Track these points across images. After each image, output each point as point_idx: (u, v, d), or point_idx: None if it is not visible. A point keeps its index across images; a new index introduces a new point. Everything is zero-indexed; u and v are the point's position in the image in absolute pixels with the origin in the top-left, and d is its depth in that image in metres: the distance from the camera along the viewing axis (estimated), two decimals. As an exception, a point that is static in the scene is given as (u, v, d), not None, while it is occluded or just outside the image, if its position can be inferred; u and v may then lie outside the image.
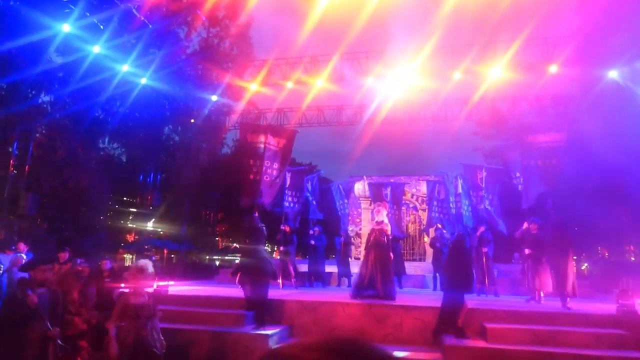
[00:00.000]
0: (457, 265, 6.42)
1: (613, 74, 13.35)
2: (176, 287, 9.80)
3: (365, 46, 16.12)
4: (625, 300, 6.46)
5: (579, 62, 13.84)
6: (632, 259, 16.50)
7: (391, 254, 8.03)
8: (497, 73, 14.38)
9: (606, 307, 7.05)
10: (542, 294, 8.15)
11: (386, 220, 8.20)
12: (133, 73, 15.25)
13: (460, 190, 10.68)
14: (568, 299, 7.25)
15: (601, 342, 5.79)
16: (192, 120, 18.54)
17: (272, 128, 10.96)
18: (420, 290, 11.56)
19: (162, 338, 4.42)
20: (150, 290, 4.96)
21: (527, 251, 8.34)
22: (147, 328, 4.27)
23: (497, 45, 14.45)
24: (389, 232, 8.09)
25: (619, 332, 5.95)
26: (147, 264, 4.53)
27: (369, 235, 8.05)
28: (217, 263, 23.00)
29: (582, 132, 8.59)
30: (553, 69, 13.96)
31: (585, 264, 18.87)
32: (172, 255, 21.62)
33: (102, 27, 14.13)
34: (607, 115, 12.80)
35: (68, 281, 5.73)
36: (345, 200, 12.20)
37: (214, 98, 17.74)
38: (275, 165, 10.08)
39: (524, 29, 14.32)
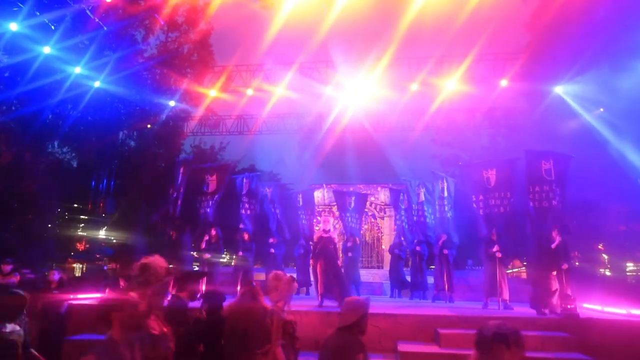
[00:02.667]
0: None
1: (558, 90, 14.16)
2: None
3: (325, 56, 16.32)
4: (568, 304, 6.81)
5: (527, 78, 14.58)
6: (577, 263, 17.41)
7: (339, 262, 8.20)
8: (452, 85, 14.91)
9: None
10: (501, 301, 8.51)
11: (333, 229, 8.39)
12: (86, 75, 14.71)
13: (422, 198, 10.95)
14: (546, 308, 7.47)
15: (547, 345, 6.08)
16: (149, 126, 18.08)
17: (212, 168, 11.03)
18: (377, 297, 11.74)
19: None
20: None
21: (498, 254, 8.73)
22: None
23: (452, 58, 15.00)
24: (336, 241, 8.28)
25: (563, 335, 6.27)
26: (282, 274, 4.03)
27: (316, 243, 8.17)
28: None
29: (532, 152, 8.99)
30: (504, 83, 14.63)
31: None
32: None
33: (53, 27, 13.58)
34: (553, 130, 13.54)
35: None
36: (305, 209, 12.23)
37: (172, 103, 17.38)
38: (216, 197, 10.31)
39: (477, 44, 14.95)
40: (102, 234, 18.94)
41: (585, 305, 8.29)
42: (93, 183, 17.87)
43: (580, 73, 13.19)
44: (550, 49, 13.88)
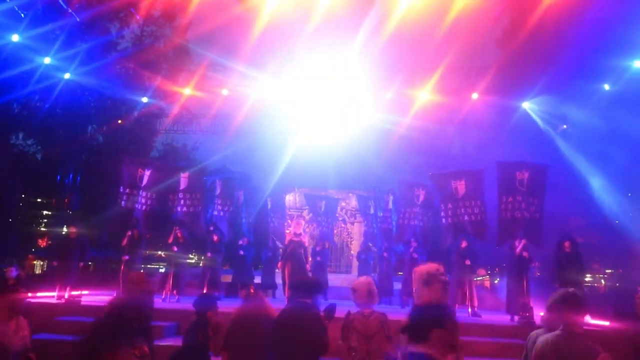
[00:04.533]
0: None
1: (525, 105, 14.68)
2: (91, 297, 9.30)
3: (302, 59, 16.35)
4: (525, 312, 7.08)
5: (497, 92, 15.05)
6: (538, 274, 18.00)
7: (307, 266, 8.29)
8: (424, 96, 15.23)
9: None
10: (470, 308, 8.76)
11: (304, 233, 8.49)
12: (56, 66, 14.28)
13: (390, 205, 11.10)
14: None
15: (504, 352, 6.30)
16: (120, 121, 17.70)
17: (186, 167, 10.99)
18: (344, 301, 11.83)
19: None
20: None
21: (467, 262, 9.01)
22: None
23: (425, 70, 15.32)
24: (307, 245, 8.37)
25: (519, 343, 6.49)
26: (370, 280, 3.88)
27: (286, 246, 8.26)
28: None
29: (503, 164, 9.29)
30: (475, 96, 15.04)
31: (497, 279, 20.27)
32: (90, 263, 20.30)
33: (22, 14, 13.16)
34: (520, 143, 14.01)
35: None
36: (275, 212, 12.24)
37: (145, 100, 17.07)
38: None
39: (449, 56, 15.33)
40: (66, 230, 18.38)
41: (543, 314, 8.60)
42: (58, 178, 17.33)
43: (545, 91, 13.73)
44: (518, 65, 14.39)
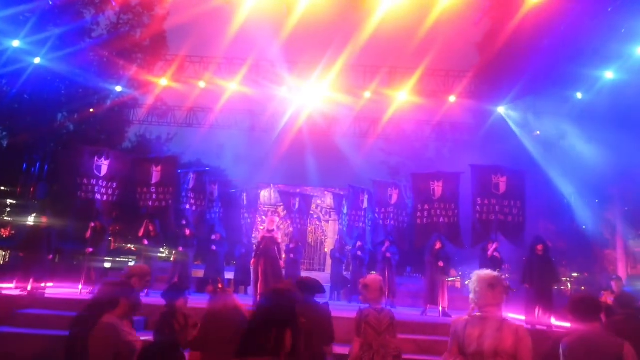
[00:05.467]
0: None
1: (500, 110, 14.95)
2: (56, 289, 8.98)
3: (281, 56, 16.26)
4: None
5: (473, 96, 15.28)
6: (507, 275, 18.39)
7: (281, 262, 8.23)
8: (403, 97, 15.33)
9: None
10: (440, 308, 8.84)
11: (277, 229, 8.41)
12: (26, 50, 13.72)
13: (366, 205, 11.10)
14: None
15: (473, 352, 6.36)
16: (92, 110, 17.16)
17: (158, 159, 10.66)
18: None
19: None
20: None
21: (440, 263, 9.12)
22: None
23: (405, 71, 15.41)
24: (280, 241, 8.30)
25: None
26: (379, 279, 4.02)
27: (259, 243, 8.16)
28: (107, 265, 21.35)
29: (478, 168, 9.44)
30: (452, 98, 15.23)
31: (468, 280, 20.62)
32: (56, 255, 19.64)
33: (-10, -6, 12.58)
34: (494, 146, 14.27)
35: None
36: (249, 208, 12.08)
37: (119, 89, 16.60)
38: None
39: (429, 59, 15.48)
40: (31, 220, 17.71)
41: (512, 315, 8.76)
42: (25, 166, 16.67)
43: (520, 97, 14.02)
44: (495, 71, 14.64)
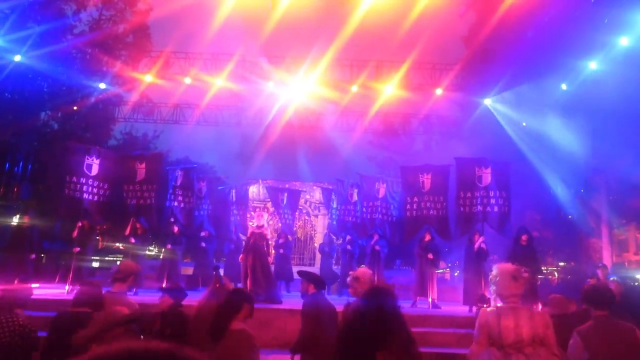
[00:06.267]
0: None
1: (487, 102, 15.04)
2: (43, 290, 8.85)
3: (267, 51, 16.15)
4: (482, 304, 7.24)
5: (460, 88, 15.34)
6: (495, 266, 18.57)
7: (269, 258, 8.24)
8: (390, 90, 15.32)
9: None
10: (430, 300, 8.89)
11: (266, 225, 8.41)
12: (5, 48, 13.45)
13: (355, 198, 11.11)
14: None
15: (462, 342, 6.42)
16: (75, 108, 16.88)
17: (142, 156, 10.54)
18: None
19: None
20: None
21: (430, 255, 9.15)
22: None
23: (391, 64, 15.41)
24: (269, 237, 8.30)
25: (477, 333, 6.65)
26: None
27: (248, 239, 8.16)
28: (95, 264, 21.12)
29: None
30: (439, 91, 15.27)
31: (457, 272, 20.80)
32: (42, 255, 19.37)
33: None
34: (481, 139, 14.36)
35: None
36: (237, 204, 12.02)
37: (103, 86, 16.35)
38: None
39: (416, 52, 15.49)
40: (15, 221, 17.42)
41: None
42: (7, 165, 16.36)
43: (506, 89, 14.12)
44: (481, 63, 14.72)
